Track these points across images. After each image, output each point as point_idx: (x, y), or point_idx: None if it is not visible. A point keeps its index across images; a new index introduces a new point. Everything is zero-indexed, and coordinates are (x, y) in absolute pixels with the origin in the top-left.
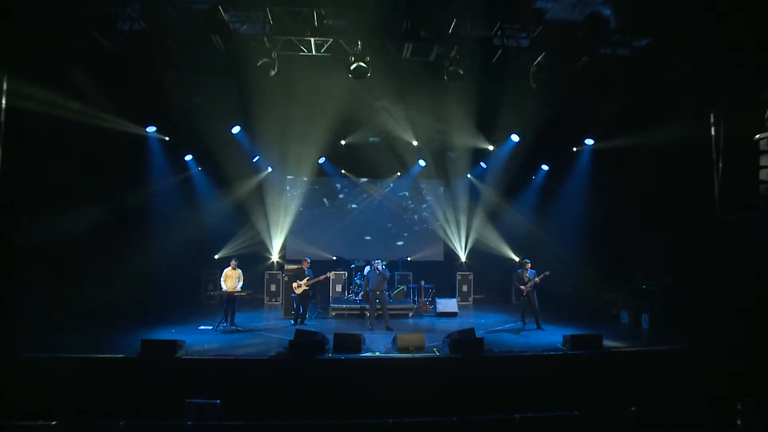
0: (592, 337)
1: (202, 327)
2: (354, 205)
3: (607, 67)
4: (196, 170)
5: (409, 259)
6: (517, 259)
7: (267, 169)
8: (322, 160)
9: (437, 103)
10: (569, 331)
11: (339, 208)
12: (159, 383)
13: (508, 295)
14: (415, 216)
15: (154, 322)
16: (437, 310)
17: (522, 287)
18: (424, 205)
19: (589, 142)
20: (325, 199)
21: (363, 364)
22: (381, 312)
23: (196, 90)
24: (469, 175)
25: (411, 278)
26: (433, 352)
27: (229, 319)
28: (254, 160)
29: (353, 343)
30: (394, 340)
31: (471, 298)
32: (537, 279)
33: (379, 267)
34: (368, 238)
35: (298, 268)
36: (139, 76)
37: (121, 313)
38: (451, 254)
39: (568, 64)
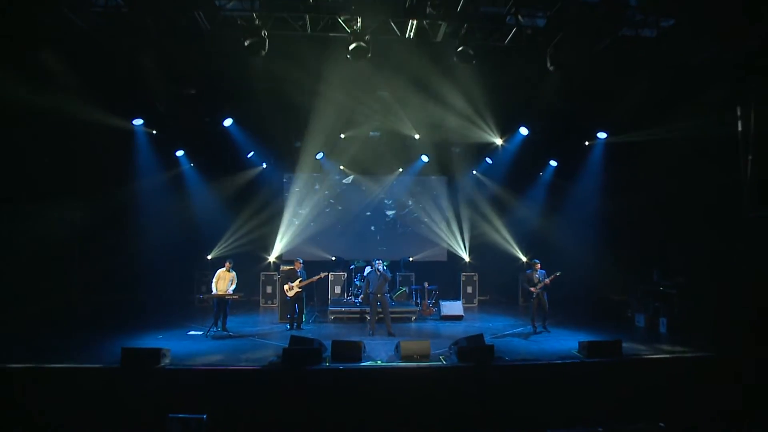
0: (611, 343)
1: (191, 332)
2: (354, 203)
3: (630, 51)
4: (188, 166)
5: (411, 259)
6: (524, 258)
7: (262, 164)
8: (320, 156)
9: (443, 90)
10: (580, 336)
11: (338, 206)
12: (140, 396)
13: (514, 296)
14: (417, 214)
15: (140, 327)
16: (441, 314)
17: (531, 289)
18: (426, 203)
19: (602, 135)
20: (323, 197)
21: (363, 374)
22: (382, 316)
23: (183, 76)
24: (474, 172)
25: (413, 279)
26: (440, 360)
27: (220, 323)
28: (249, 155)
29: (353, 351)
30: (398, 347)
31: (476, 300)
32: (547, 280)
33: (380, 268)
34: (370, 236)
35: (289, 269)
36: (118, 59)
37: (106, 317)
38: (454, 254)
39: (588, 46)
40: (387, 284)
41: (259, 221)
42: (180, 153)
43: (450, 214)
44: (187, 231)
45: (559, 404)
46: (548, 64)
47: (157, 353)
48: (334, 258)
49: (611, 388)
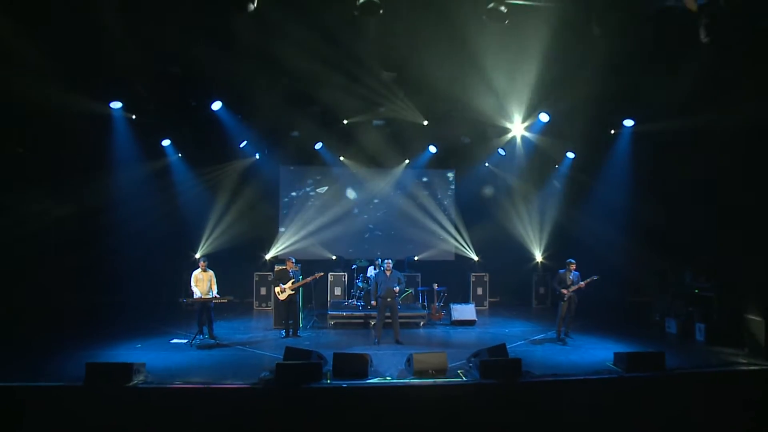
0: (653, 355)
1: (174, 341)
2: (355, 197)
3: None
4: (175, 157)
5: (416, 258)
6: (539, 258)
7: (255, 155)
8: (319, 146)
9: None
10: (608, 344)
11: (338, 201)
12: (107, 420)
13: (526, 298)
14: (423, 210)
15: (117, 334)
16: (453, 318)
17: (563, 291)
18: (433, 198)
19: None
20: (322, 191)
21: (371, 393)
22: (389, 321)
23: (164, 53)
24: (486, 164)
25: (419, 280)
26: (458, 376)
27: (206, 330)
28: (241, 145)
29: (358, 365)
30: (409, 360)
31: (486, 303)
32: (582, 284)
33: (389, 268)
34: (372, 234)
35: (281, 270)
36: (88, 32)
37: (79, 321)
38: (463, 253)
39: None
40: (398, 286)
41: (252, 217)
42: (166, 143)
43: (458, 210)
44: (175, 227)
45: (598, 427)
46: (702, 36)
47: (128, 369)
48: (334, 257)
49: (655, 408)
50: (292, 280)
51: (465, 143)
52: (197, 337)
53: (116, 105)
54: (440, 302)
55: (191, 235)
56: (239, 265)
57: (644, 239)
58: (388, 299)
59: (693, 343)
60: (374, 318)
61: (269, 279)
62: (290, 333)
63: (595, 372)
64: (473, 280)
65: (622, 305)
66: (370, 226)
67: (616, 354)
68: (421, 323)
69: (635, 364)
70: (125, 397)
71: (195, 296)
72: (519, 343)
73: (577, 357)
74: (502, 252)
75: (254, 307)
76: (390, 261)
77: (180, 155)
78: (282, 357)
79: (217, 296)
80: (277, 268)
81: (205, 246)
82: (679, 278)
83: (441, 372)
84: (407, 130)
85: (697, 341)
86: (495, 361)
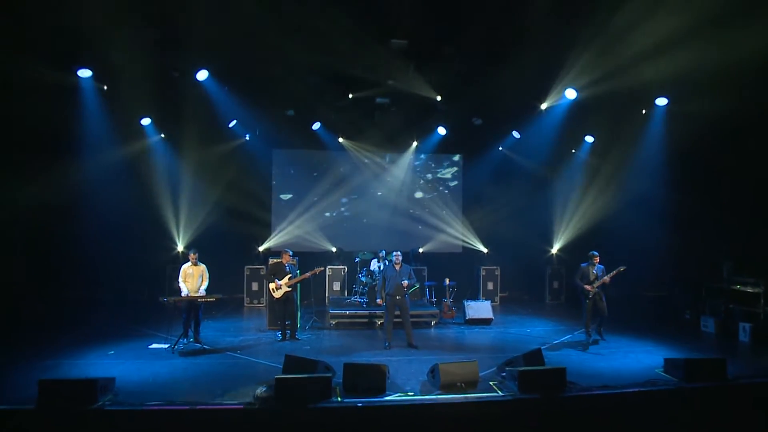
0: (713, 362)
1: (154, 345)
2: (356, 184)
3: None
4: (157, 137)
5: (421, 250)
6: (554, 250)
7: (245, 136)
8: (317, 126)
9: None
10: (644, 346)
11: (337, 188)
12: None
13: (538, 292)
14: (429, 198)
15: (87, 338)
16: (467, 317)
17: (587, 287)
18: (440, 185)
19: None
20: (319, 177)
21: (391, 413)
22: (399, 321)
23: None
24: (501, 148)
25: (426, 274)
26: (492, 389)
27: (191, 334)
28: (230, 124)
29: (374, 378)
30: (434, 371)
31: (498, 298)
32: (607, 277)
33: (399, 261)
34: (374, 224)
35: (275, 264)
36: None
37: (47, 323)
38: (471, 245)
39: None
40: (409, 281)
41: (243, 205)
42: (145, 121)
43: (466, 198)
44: (156, 216)
45: None
46: None
47: (92, 387)
48: (334, 249)
49: (723, 425)
50: (289, 276)
51: (476, 125)
52: (181, 340)
53: (85, 73)
54: (450, 298)
55: (174, 225)
56: (228, 258)
57: (674, 229)
58: (398, 297)
59: (737, 345)
60: (380, 317)
61: (263, 274)
62: (287, 335)
63: (650, 382)
64: (483, 274)
65: (638, 300)
66: (372, 215)
67: (667, 360)
68: (433, 323)
69: (694, 372)
70: (89, 423)
71: (182, 293)
72: (546, 345)
73: (619, 363)
74: (512, 243)
75: (245, 305)
76: (399, 253)
77: (162, 136)
78: (281, 367)
79: (204, 295)
80: (271, 261)
81: (190, 237)
82: (715, 273)
83: (472, 385)
84: (415, 108)
85: (741, 342)
86: (536, 372)
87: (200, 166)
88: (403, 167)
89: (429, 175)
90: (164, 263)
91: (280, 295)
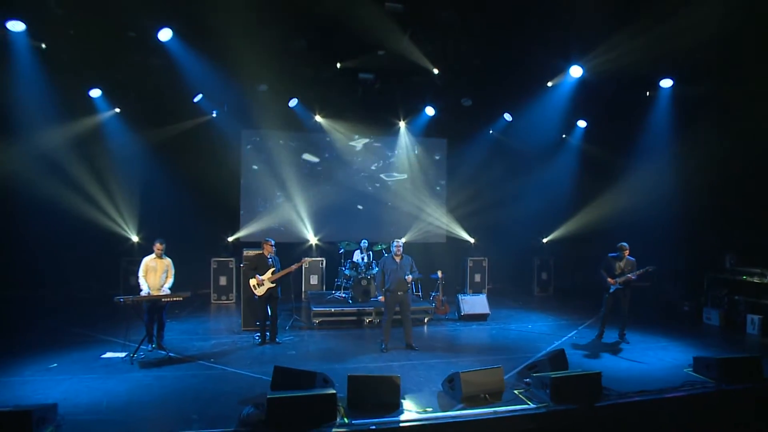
0: (750, 361)
1: (108, 355)
2: (334, 168)
3: None
4: (109, 112)
5: (403, 240)
6: (546, 240)
7: (212, 113)
8: (293, 103)
9: None
10: (659, 342)
11: (314, 173)
12: None
13: (525, 284)
14: (413, 184)
15: (23, 350)
16: (462, 312)
17: (610, 280)
18: (425, 171)
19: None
20: (295, 159)
21: None
22: (398, 317)
23: None
24: (491, 131)
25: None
26: (519, 399)
27: (155, 339)
28: (195, 98)
29: (386, 392)
30: (452, 381)
31: (485, 291)
32: (632, 275)
33: (400, 252)
34: (351, 212)
35: (256, 256)
36: None
37: None
38: (455, 235)
39: None
40: (412, 275)
41: (209, 190)
42: (95, 93)
43: (451, 185)
44: (109, 203)
45: None
46: None
47: (25, 420)
48: (317, 240)
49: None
50: (272, 270)
51: (465, 106)
52: (141, 347)
53: (16, 26)
54: (435, 291)
55: (129, 213)
56: (192, 249)
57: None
58: (399, 293)
59: (747, 338)
60: (368, 314)
61: (231, 267)
62: (266, 338)
63: (687, 384)
64: (470, 265)
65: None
66: (350, 202)
67: (697, 359)
68: (426, 319)
69: (730, 372)
70: None
71: (142, 292)
72: (556, 344)
73: (642, 361)
74: (498, 233)
75: (212, 301)
76: (400, 243)
77: (116, 110)
78: (267, 379)
79: (169, 294)
80: (246, 253)
81: (147, 226)
82: (716, 264)
83: (497, 395)
84: (402, 86)
85: (750, 335)
86: (570, 378)
87: (160, 145)
88: (385, 151)
89: (413, 161)
90: (117, 256)
91: (262, 292)
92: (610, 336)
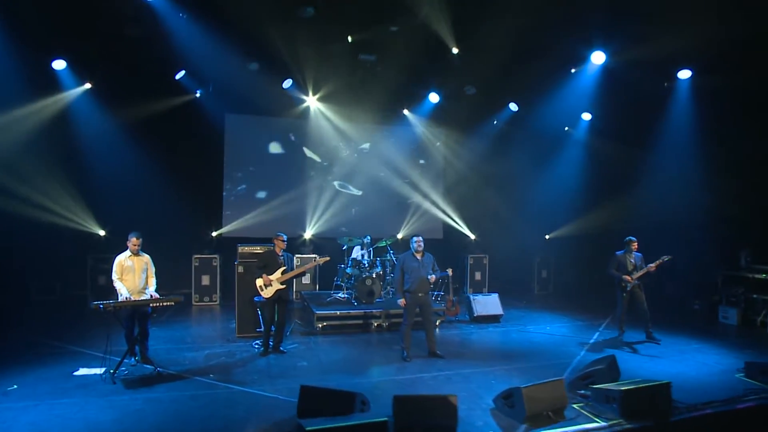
0: None
1: (81, 372)
2: (328, 157)
3: None
4: (76, 88)
5: (399, 236)
6: (549, 236)
7: (195, 92)
8: (288, 84)
9: None
10: (689, 344)
11: (303, 163)
12: None
13: (524, 283)
14: (411, 176)
15: None
16: (475, 313)
17: (626, 277)
18: (423, 162)
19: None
20: (286, 147)
21: None
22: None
23: None
24: (495, 121)
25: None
26: (584, 415)
27: (137, 351)
28: (177, 75)
29: (440, 415)
30: (511, 396)
31: (485, 289)
32: (652, 266)
33: (421, 249)
34: (345, 204)
35: (266, 253)
36: None
37: None
38: (452, 230)
39: None
40: (434, 274)
41: (191, 179)
42: (60, 64)
43: (451, 178)
44: (75, 192)
45: None
46: None
47: None
48: (311, 235)
49: None
50: (283, 269)
51: (469, 94)
52: (124, 362)
53: None
54: (439, 292)
55: (99, 204)
56: (171, 244)
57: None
58: (420, 294)
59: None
60: (377, 317)
61: (236, 266)
62: (270, 347)
63: (751, 393)
64: (471, 263)
65: (607, 287)
66: (344, 195)
67: (750, 364)
68: (438, 322)
69: None
70: None
71: (122, 296)
72: (586, 347)
73: (685, 366)
74: (498, 229)
75: (193, 303)
76: (420, 239)
77: (86, 86)
78: (288, 400)
79: (157, 296)
80: (248, 249)
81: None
82: (731, 261)
83: (560, 412)
84: (406, 69)
85: None
86: (641, 391)
87: (133, 127)
88: (383, 139)
89: (411, 151)
90: (83, 251)
91: (270, 294)
92: (630, 335)
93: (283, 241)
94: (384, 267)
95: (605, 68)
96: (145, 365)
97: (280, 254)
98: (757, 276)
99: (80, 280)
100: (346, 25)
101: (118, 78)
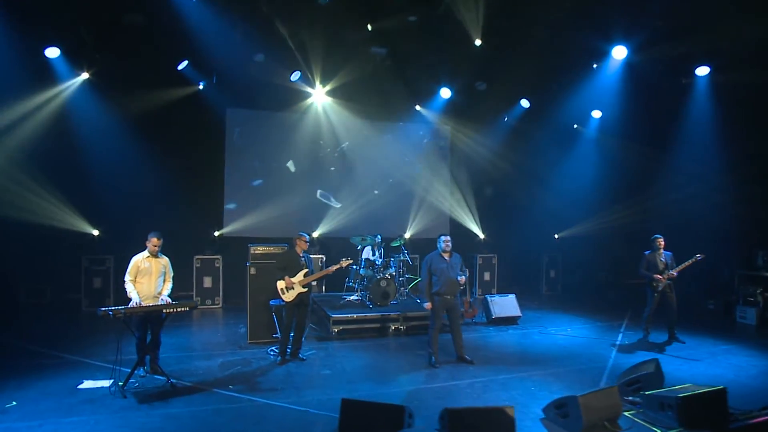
0: None
1: (86, 385)
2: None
3: None
4: (71, 77)
5: (407, 236)
6: (556, 235)
7: (199, 84)
8: (296, 77)
9: None
10: (712, 346)
11: (311, 158)
12: None
13: (531, 283)
14: (417, 173)
15: None
16: (493, 315)
17: (658, 276)
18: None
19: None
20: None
21: None
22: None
23: None
24: (506, 118)
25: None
26: (639, 424)
27: (147, 361)
28: (180, 65)
29: (497, 429)
30: (565, 406)
31: (494, 290)
32: (687, 263)
33: (449, 248)
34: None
35: (286, 253)
36: None
37: None
38: (458, 228)
39: None
40: (463, 276)
41: (192, 175)
42: (53, 52)
43: (462, 175)
44: (71, 188)
45: None
46: None
47: None
48: (317, 234)
49: None
50: (305, 271)
51: (480, 90)
52: (137, 372)
53: None
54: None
55: (93, 202)
56: (171, 244)
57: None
58: (448, 297)
59: None
60: (394, 320)
61: (248, 267)
62: (288, 353)
63: None
64: (480, 262)
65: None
66: (353, 192)
67: None
68: None
69: None
70: None
71: (133, 301)
72: (612, 352)
73: (720, 369)
74: (507, 228)
75: (196, 307)
76: (449, 238)
77: (82, 75)
78: (320, 413)
79: (173, 303)
80: (258, 249)
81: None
82: (747, 261)
83: (614, 422)
84: (419, 62)
85: None
86: (698, 398)
87: (131, 121)
88: (393, 136)
89: (419, 148)
90: (76, 253)
91: (291, 298)
92: (653, 337)
93: (306, 241)
94: (398, 267)
95: (626, 64)
96: (155, 376)
97: (301, 255)
98: None
99: (74, 283)
100: (363, 12)
101: (116, 68)
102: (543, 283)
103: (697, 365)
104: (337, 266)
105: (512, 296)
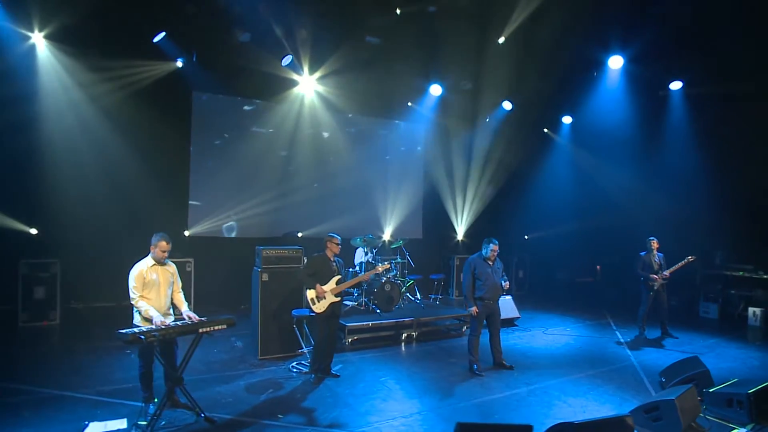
0: None
1: (92, 429)
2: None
3: None
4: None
5: (386, 238)
6: (527, 236)
7: (176, 60)
8: (287, 61)
9: None
10: (702, 339)
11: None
12: None
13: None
14: (394, 172)
15: None
16: None
17: (654, 276)
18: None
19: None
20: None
21: None
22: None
23: None
24: (488, 119)
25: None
26: (719, 423)
27: (160, 391)
28: (155, 38)
29: None
30: (655, 410)
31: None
32: (681, 263)
33: (495, 255)
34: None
35: (317, 259)
36: None
37: None
38: (432, 230)
39: None
40: (505, 280)
41: (160, 166)
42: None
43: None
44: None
45: None
46: None
47: None
48: (300, 234)
49: None
50: (337, 278)
51: (465, 89)
52: (150, 410)
53: None
54: (438, 295)
55: (35, 193)
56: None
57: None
58: (491, 302)
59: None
60: (408, 326)
61: (259, 273)
62: (314, 368)
63: None
64: (457, 264)
65: (571, 286)
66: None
67: None
68: (465, 328)
69: None
70: None
71: (154, 319)
72: (625, 350)
73: (726, 362)
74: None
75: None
76: (496, 242)
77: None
78: None
79: (195, 317)
80: (272, 252)
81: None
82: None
83: (696, 422)
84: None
85: (752, 327)
86: (766, 392)
87: (84, 97)
88: (375, 133)
89: (398, 147)
90: (11, 255)
91: (323, 309)
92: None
93: (337, 244)
94: (400, 270)
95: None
96: (183, 410)
97: (332, 260)
98: (734, 273)
99: (10, 293)
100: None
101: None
102: (513, 283)
103: (705, 359)
104: (373, 271)
105: (510, 298)
